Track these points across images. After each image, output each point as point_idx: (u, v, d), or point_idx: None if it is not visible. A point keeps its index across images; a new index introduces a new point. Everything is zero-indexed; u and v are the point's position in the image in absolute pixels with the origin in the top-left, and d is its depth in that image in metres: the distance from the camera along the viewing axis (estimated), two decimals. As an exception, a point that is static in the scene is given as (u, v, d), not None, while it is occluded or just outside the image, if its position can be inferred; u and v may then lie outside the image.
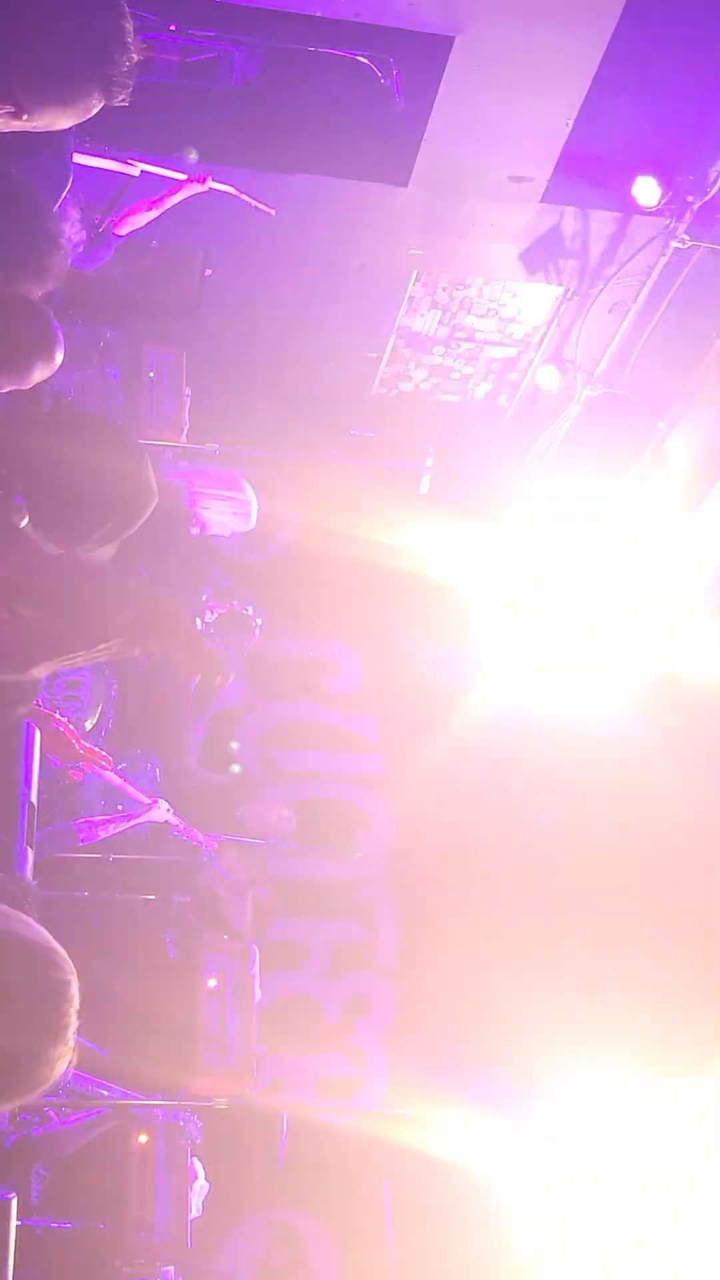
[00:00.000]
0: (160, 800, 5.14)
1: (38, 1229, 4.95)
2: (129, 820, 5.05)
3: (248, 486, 5.15)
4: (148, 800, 5.08)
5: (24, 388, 3.04)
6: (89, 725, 5.72)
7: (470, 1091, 6.24)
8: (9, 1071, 1.46)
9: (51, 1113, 4.75)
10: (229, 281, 6.02)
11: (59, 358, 2.92)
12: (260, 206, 4.89)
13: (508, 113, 5.66)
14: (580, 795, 6.94)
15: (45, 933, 1.55)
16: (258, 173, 5.83)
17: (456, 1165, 5.92)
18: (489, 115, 5.67)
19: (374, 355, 6.82)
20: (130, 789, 4.96)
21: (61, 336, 2.90)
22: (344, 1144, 6.08)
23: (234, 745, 6.81)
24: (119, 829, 5.02)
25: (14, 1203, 4.21)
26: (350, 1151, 6.06)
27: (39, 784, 4.24)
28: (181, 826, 5.35)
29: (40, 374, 2.96)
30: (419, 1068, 6.40)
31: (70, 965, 1.56)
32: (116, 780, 4.81)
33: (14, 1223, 4.23)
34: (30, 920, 1.52)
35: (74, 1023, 1.52)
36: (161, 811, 5.13)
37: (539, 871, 6.91)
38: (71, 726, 4.03)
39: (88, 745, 4.04)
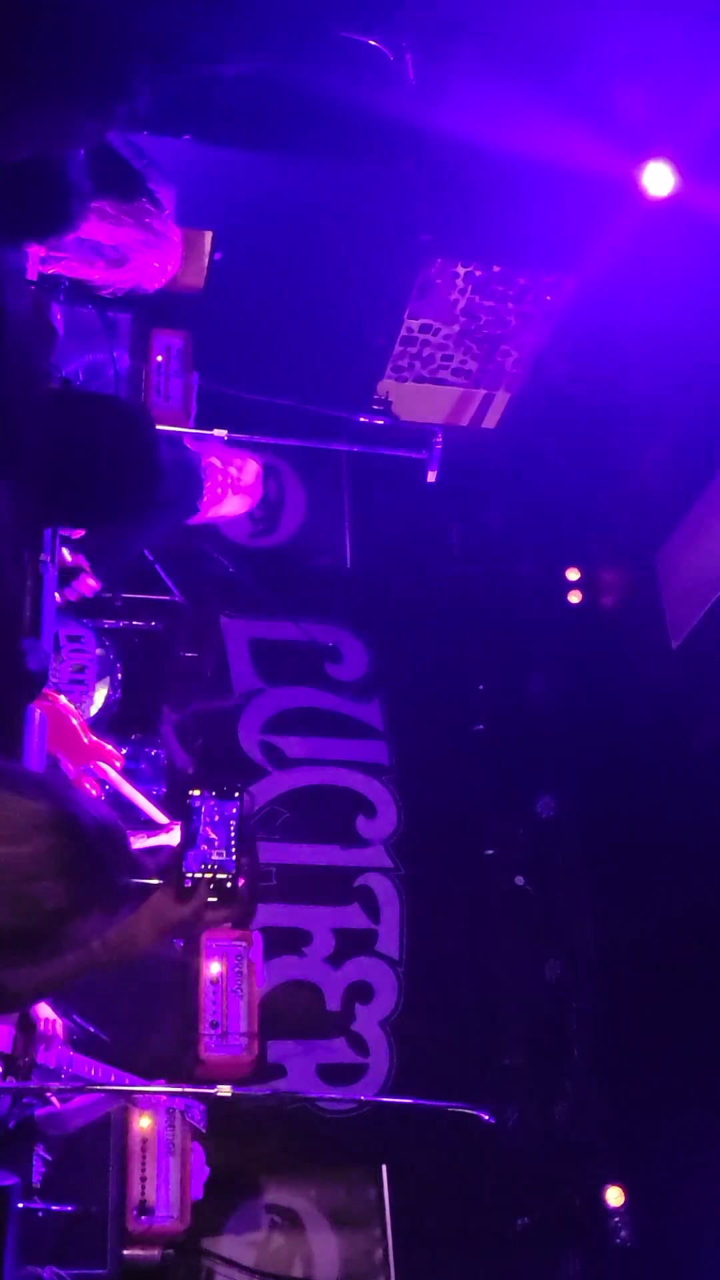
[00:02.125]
0: (179, 824, 4.89)
1: (39, 1211, 4.98)
2: (148, 837, 4.80)
3: (256, 469, 5.04)
4: (165, 820, 4.84)
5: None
6: (94, 711, 5.70)
7: (470, 1077, 6.27)
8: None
9: (53, 1096, 4.76)
10: (238, 265, 5.99)
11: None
12: None
13: (521, 97, 5.62)
14: (589, 782, 6.95)
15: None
16: (265, 156, 5.80)
17: (456, 1150, 5.94)
18: (502, 99, 5.63)
19: (383, 341, 6.80)
20: (147, 805, 4.73)
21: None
22: (343, 1128, 6.11)
23: None
24: (138, 847, 4.78)
25: (17, 1188, 4.23)
26: (350, 1136, 6.09)
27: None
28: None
29: None
30: (420, 1053, 6.43)
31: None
32: (130, 792, 4.59)
33: (17, 1207, 4.24)
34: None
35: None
36: (178, 836, 4.85)
37: (543, 858, 6.93)
38: (78, 711, 3.95)
39: (94, 738, 3.97)
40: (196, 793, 2.74)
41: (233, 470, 4.80)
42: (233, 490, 4.79)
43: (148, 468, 2.85)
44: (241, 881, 2.54)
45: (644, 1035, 6.18)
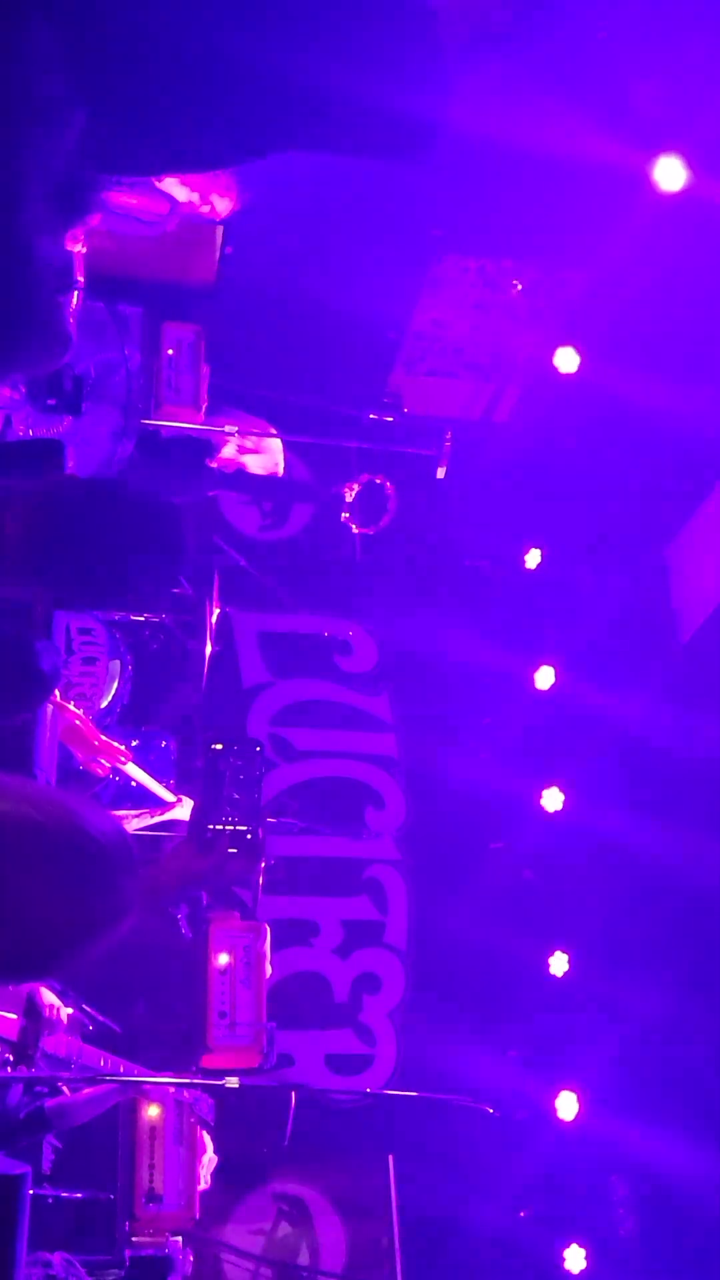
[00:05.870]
0: (184, 799, 5.00)
1: (49, 1198, 5.03)
2: (152, 815, 4.90)
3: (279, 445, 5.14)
4: (173, 798, 4.91)
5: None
6: (104, 704, 5.73)
7: (475, 1068, 6.30)
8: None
9: (63, 1086, 4.80)
10: (249, 259, 5.99)
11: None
12: None
13: (532, 91, 5.59)
14: (596, 776, 6.96)
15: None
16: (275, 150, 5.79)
17: (461, 1141, 5.99)
18: (513, 93, 5.60)
19: (394, 334, 6.80)
20: (155, 785, 4.81)
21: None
22: (350, 1118, 6.16)
23: None
24: (143, 825, 4.89)
25: (28, 1176, 4.27)
26: (356, 1126, 6.14)
27: (55, 769, 4.23)
28: None
29: None
30: (426, 1044, 6.47)
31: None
32: (139, 775, 4.67)
33: (28, 1195, 4.29)
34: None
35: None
36: (186, 809, 4.96)
37: (550, 852, 6.95)
38: (88, 718, 4.00)
39: (105, 739, 4.02)
40: (219, 747, 2.75)
41: (249, 442, 4.89)
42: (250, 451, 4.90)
43: (170, 570, 2.83)
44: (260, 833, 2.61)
45: (650, 1029, 6.21)
